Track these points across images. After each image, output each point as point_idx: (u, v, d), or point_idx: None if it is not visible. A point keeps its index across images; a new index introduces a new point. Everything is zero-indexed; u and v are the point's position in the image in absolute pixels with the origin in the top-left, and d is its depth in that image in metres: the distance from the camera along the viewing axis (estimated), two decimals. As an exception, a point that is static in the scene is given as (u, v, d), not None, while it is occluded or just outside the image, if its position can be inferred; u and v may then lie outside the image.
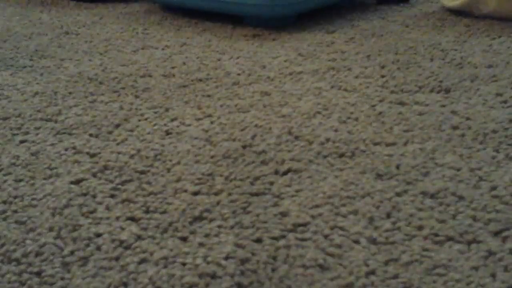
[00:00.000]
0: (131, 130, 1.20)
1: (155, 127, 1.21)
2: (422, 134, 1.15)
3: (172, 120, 1.24)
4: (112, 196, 0.96)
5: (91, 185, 0.99)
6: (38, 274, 0.78)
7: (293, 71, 1.52)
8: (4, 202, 0.95)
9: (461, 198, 0.93)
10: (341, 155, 1.08)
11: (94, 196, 0.96)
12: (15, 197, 0.96)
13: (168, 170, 1.04)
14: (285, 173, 1.02)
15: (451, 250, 0.81)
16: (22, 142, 1.16)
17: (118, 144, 1.14)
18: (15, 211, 0.92)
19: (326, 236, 0.85)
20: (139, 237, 0.85)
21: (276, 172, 1.02)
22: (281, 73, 1.51)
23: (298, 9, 1.95)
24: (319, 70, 1.52)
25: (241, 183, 0.99)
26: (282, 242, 0.83)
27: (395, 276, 0.76)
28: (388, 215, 0.89)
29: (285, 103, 1.32)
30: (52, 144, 1.14)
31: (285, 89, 1.40)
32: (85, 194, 0.96)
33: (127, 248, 0.83)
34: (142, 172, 1.03)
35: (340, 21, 2.01)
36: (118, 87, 1.44)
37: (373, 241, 0.83)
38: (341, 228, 0.86)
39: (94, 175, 1.03)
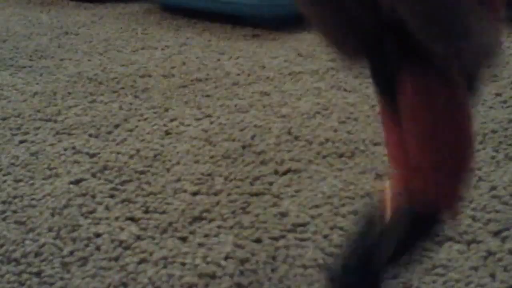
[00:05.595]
0: (131, 130, 1.20)
1: (155, 127, 1.21)
2: (422, 134, 1.15)
3: (172, 120, 1.24)
4: (111, 196, 0.96)
5: (91, 185, 0.99)
6: (38, 274, 0.79)
7: (293, 71, 1.52)
8: (4, 202, 0.95)
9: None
10: (341, 155, 1.08)
11: (93, 196, 0.96)
12: (15, 197, 0.96)
13: (168, 170, 1.04)
14: (284, 173, 1.02)
15: (451, 250, 0.81)
16: (21, 142, 1.16)
17: (117, 144, 1.14)
18: (15, 211, 0.92)
19: (325, 236, 0.85)
20: (138, 237, 0.85)
21: (276, 172, 1.02)
22: (280, 73, 1.51)
23: (298, 9, 1.95)
24: (319, 70, 1.52)
25: (241, 183, 0.99)
26: (281, 242, 0.83)
27: (395, 276, 0.76)
28: (388, 215, 0.89)
29: (285, 103, 1.32)
30: (51, 144, 1.14)
31: (284, 89, 1.40)
32: (84, 194, 0.96)
33: (126, 248, 0.83)
34: (141, 172, 1.03)
35: (340, 21, 2.01)
36: (118, 87, 1.44)
37: (372, 241, 0.83)
38: (341, 228, 0.86)
39: (94, 175, 1.03)
